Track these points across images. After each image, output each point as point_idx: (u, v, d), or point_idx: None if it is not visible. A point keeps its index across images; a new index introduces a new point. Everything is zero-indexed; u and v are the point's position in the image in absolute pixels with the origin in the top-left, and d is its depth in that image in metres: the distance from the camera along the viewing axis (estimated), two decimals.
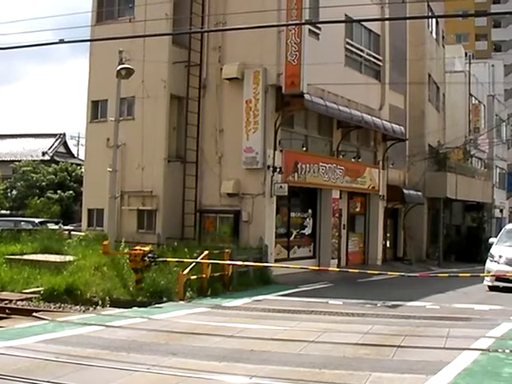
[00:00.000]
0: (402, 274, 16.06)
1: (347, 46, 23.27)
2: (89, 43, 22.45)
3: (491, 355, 8.23)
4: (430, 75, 32.44)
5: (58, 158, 42.63)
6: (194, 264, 14.56)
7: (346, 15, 20.19)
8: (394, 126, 25.71)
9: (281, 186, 19.68)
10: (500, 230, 21.20)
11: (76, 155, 47.55)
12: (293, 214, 22.05)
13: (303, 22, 18.95)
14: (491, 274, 16.82)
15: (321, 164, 22.00)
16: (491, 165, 42.61)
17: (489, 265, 17.53)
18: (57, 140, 46.11)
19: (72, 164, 40.19)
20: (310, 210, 22.84)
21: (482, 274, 16.96)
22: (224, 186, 20.21)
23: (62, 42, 12.35)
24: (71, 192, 36.40)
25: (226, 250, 16.13)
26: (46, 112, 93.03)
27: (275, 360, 7.88)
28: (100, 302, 13.87)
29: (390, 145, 26.85)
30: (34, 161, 40.05)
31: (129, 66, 17.12)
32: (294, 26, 18.91)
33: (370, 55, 25.04)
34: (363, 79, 24.24)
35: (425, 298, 15.39)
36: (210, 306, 13.28)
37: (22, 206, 35.11)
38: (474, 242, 34.12)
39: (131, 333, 9.81)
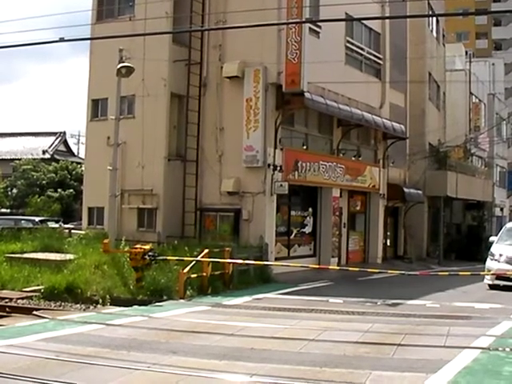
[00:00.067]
0: (403, 272, 16.01)
1: (347, 45, 23.26)
2: (89, 42, 22.43)
3: (491, 354, 8.22)
4: (430, 74, 32.43)
5: (58, 157, 42.65)
6: (194, 262, 14.56)
7: (346, 13, 20.23)
8: (394, 124, 25.70)
9: (281, 185, 19.68)
10: (500, 229, 21.21)
11: (76, 154, 47.63)
12: (293, 213, 22.07)
13: (303, 20, 18.97)
14: (491, 272, 16.80)
15: (321, 162, 22.00)
16: (491, 163, 42.59)
17: (489, 263, 17.51)
18: (57, 138, 46.13)
19: (72, 162, 40.23)
20: (310, 209, 22.85)
21: (482, 273, 16.96)
22: (224, 184, 20.21)
23: (62, 40, 12.34)
24: (71, 190, 36.45)
25: (227, 249, 16.12)
26: (46, 110, 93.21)
27: (276, 358, 7.87)
28: (100, 301, 13.85)
29: (391, 143, 26.86)
30: (35, 159, 40.08)
31: (129, 65, 17.09)
32: (294, 25, 18.90)
33: (371, 53, 25.03)
34: (363, 78, 24.21)
35: (425, 296, 15.37)
36: (210, 305, 13.27)
37: (22, 205, 35.14)
38: (475, 240, 34.11)
39: (131, 331, 9.80)
